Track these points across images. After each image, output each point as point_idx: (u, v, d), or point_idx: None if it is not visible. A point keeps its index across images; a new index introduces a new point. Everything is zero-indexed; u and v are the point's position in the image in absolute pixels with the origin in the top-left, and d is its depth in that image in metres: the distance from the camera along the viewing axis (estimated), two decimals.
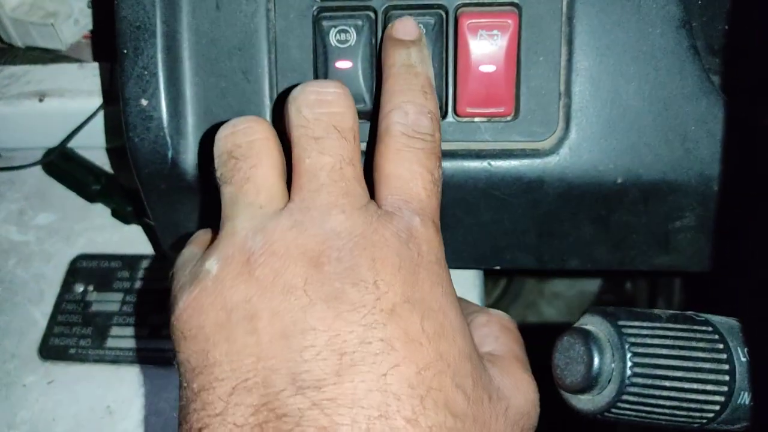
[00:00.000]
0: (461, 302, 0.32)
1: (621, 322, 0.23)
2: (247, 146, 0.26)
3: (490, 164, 0.31)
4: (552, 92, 0.30)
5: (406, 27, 0.29)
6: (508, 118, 0.31)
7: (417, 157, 0.26)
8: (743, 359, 0.22)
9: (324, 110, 0.26)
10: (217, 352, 0.23)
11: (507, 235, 0.33)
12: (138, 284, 0.45)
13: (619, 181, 0.30)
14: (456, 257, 0.35)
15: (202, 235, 0.29)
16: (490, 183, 0.31)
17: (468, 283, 0.41)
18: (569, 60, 0.30)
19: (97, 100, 0.46)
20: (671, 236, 0.32)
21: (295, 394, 0.21)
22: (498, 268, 0.35)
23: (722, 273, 0.32)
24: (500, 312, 0.31)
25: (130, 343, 0.43)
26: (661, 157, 0.30)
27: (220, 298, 0.23)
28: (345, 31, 0.30)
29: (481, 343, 0.28)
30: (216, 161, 0.27)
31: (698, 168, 0.30)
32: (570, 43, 0.30)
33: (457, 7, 0.30)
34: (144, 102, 0.31)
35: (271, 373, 0.22)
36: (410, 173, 0.26)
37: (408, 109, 0.27)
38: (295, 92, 0.26)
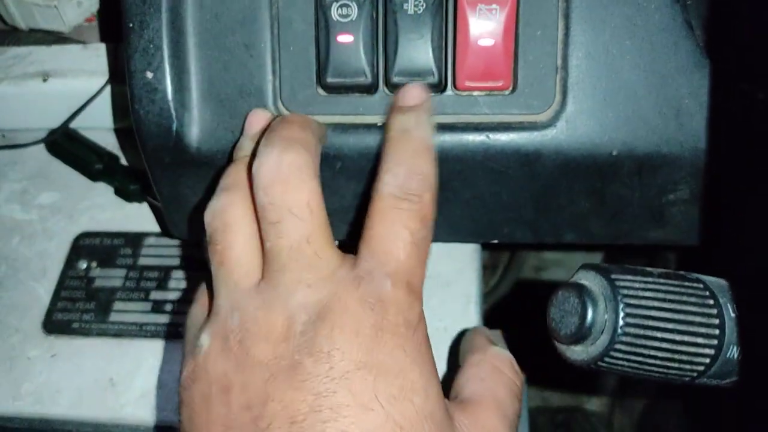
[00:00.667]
0: (476, 334, 0.33)
1: (614, 276, 0.23)
2: (222, 229, 0.28)
3: (488, 137, 0.31)
4: (549, 66, 0.31)
5: (407, 93, 0.30)
6: (507, 92, 0.31)
7: (400, 218, 0.27)
8: (732, 315, 0.23)
9: (277, 192, 0.26)
10: (199, 419, 0.26)
11: (504, 209, 0.34)
12: (140, 261, 0.46)
13: (615, 153, 0.31)
14: (454, 231, 0.36)
15: (204, 293, 0.31)
16: (488, 155, 0.32)
17: (466, 257, 0.41)
18: (566, 34, 0.31)
19: (101, 80, 0.47)
20: (665, 209, 0.33)
21: None
22: (495, 242, 0.36)
23: (714, 246, 0.33)
24: (501, 352, 0.31)
25: (133, 318, 0.44)
26: (655, 130, 0.30)
27: (206, 373, 0.26)
28: (347, 6, 0.31)
29: (465, 384, 0.30)
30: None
31: (692, 141, 0.30)
32: (567, 17, 0.31)
33: None
34: (149, 75, 0.32)
35: None
36: (391, 234, 0.27)
37: (398, 171, 0.28)
38: (254, 166, 0.27)
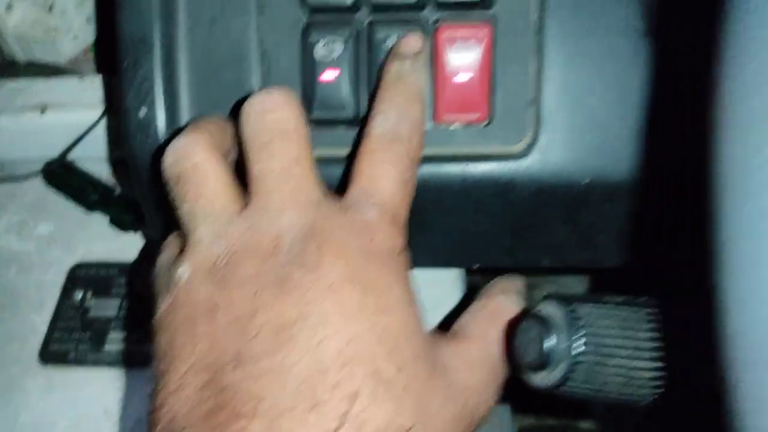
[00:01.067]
0: (499, 282, 0.34)
1: (573, 306, 0.25)
2: (191, 170, 0.28)
3: (465, 168, 0.33)
4: (523, 99, 0.33)
5: (406, 42, 0.32)
6: (483, 124, 0.33)
7: (389, 158, 0.29)
8: None
9: (268, 117, 0.28)
10: (181, 339, 0.26)
11: (483, 236, 0.35)
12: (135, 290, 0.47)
13: (586, 181, 0.32)
14: (434, 257, 0.37)
15: (173, 240, 0.31)
16: (465, 185, 0.33)
17: (449, 283, 0.42)
18: (539, 69, 0.32)
19: (97, 112, 0.48)
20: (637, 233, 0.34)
21: (235, 369, 0.24)
22: (476, 267, 0.37)
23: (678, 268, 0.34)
24: (507, 301, 0.32)
25: (127, 347, 0.45)
26: (624, 159, 0.32)
27: (189, 299, 0.26)
28: (331, 44, 0.33)
29: (461, 324, 0.31)
30: (168, 186, 0.29)
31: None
32: (540, 52, 0.32)
33: (436, 19, 0.33)
34: (143, 112, 0.33)
35: (220, 353, 0.25)
36: (378, 171, 0.28)
37: (390, 114, 0.30)
38: (245, 104, 0.29)
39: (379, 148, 0.29)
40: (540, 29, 0.32)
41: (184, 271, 0.27)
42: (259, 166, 0.28)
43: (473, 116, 0.33)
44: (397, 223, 0.28)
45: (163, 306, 0.27)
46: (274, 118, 0.28)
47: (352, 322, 0.25)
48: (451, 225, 0.35)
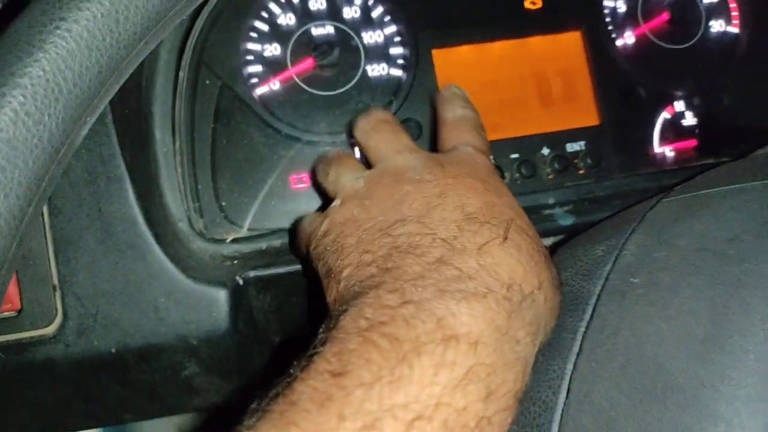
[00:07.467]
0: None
1: None
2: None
3: (2, 356, 0.35)
4: (47, 286, 0.36)
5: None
6: (15, 313, 0.36)
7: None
8: None
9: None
10: (348, 231, 0.32)
11: (57, 406, 0.38)
12: None
13: (114, 350, 0.36)
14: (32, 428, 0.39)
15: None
16: (10, 371, 0.36)
17: None
18: (56, 252, 0.36)
19: None
20: (190, 381, 0.38)
21: (400, 227, 0.30)
22: None
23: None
24: None
25: None
26: (141, 327, 0.36)
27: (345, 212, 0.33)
28: None
29: None
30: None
31: (173, 330, 0.36)
32: (55, 240, 0.36)
33: None
34: None
35: (385, 222, 0.31)
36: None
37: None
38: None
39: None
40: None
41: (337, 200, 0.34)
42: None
43: (7, 306, 0.35)
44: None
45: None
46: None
47: (483, 194, 0.30)
48: (27, 402, 0.37)
